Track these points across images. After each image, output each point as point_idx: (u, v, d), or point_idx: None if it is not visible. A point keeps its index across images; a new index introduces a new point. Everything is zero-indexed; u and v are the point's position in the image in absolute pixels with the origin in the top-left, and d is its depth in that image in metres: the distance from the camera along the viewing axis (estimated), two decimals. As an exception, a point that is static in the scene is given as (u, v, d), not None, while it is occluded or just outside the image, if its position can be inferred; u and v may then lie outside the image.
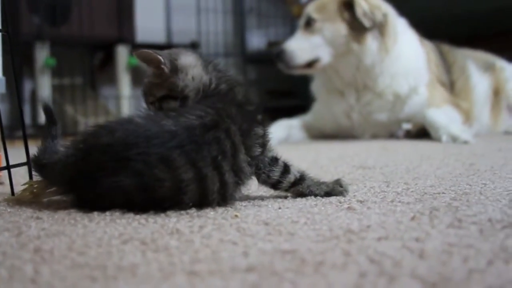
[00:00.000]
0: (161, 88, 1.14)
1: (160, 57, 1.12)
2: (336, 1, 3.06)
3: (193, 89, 1.13)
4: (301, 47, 3.10)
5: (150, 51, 1.13)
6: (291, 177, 1.15)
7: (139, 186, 0.99)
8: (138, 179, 0.98)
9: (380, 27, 3.03)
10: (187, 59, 1.15)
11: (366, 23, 2.98)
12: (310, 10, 3.11)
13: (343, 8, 3.04)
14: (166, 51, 1.16)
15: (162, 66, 1.12)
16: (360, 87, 3.14)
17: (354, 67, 3.09)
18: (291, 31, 4.49)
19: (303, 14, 3.18)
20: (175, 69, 1.13)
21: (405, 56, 3.10)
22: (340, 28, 3.04)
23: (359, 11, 2.98)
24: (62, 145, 1.15)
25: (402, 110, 3.10)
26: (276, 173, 1.14)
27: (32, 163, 1.20)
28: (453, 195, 1.16)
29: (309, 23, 3.10)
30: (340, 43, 3.06)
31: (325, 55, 3.09)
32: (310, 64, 3.13)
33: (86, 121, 3.83)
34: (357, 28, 3.02)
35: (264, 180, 1.14)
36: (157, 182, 0.98)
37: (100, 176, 1.00)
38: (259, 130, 1.12)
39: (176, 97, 1.13)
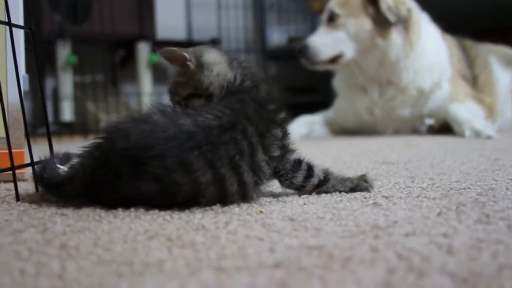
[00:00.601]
0: (186, 86, 1.13)
1: (186, 54, 1.11)
2: (359, -4, 3.05)
3: (218, 86, 1.11)
4: (324, 43, 3.08)
5: (175, 48, 1.11)
6: (314, 180, 1.13)
7: (159, 191, 0.98)
8: (157, 185, 0.97)
9: (405, 22, 3.00)
10: (212, 56, 1.14)
11: (391, 18, 2.96)
12: (333, 5, 3.09)
13: (367, 3, 3.01)
14: (190, 49, 1.15)
15: (188, 63, 1.11)
16: (384, 83, 3.12)
17: (378, 62, 3.07)
18: (312, 27, 4.49)
19: (326, 9, 3.16)
20: (201, 66, 1.12)
21: (429, 51, 3.08)
22: (364, 23, 3.02)
23: (383, 6, 2.95)
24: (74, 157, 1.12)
25: (425, 105, 3.08)
26: (299, 179, 1.12)
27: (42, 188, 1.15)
28: (479, 190, 1.15)
29: (332, 19, 3.08)
30: (364, 38, 3.04)
31: (348, 51, 3.08)
32: (334, 59, 3.11)
33: (108, 118, 3.84)
34: (381, 23, 3.00)
35: (287, 186, 1.13)
36: (176, 186, 0.97)
37: (119, 183, 0.99)
38: (278, 132, 1.10)
39: (201, 95, 1.12)
